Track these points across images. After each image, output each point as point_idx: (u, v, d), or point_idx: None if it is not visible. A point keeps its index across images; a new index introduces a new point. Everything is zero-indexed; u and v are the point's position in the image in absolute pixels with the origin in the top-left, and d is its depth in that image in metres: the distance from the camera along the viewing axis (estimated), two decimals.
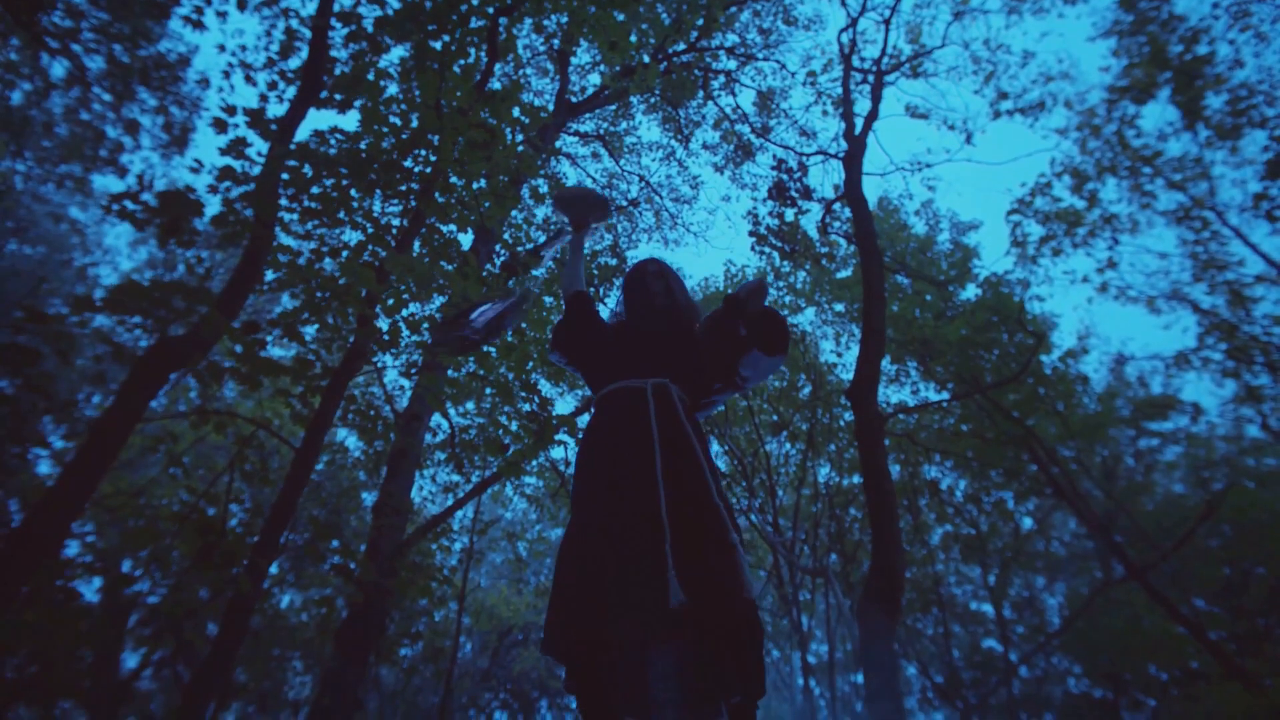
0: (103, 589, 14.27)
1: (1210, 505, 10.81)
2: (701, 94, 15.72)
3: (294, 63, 8.02)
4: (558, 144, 15.40)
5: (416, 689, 18.03)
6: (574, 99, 14.63)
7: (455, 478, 14.09)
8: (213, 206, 6.27)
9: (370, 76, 5.77)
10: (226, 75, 8.24)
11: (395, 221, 6.52)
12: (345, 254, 6.32)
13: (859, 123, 12.11)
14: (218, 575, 4.53)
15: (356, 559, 7.49)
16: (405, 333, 5.89)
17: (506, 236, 9.95)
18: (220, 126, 5.89)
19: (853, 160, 11.31)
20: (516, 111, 7.18)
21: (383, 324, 6.28)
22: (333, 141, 6.06)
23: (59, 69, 12.71)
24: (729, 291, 2.88)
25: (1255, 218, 12.69)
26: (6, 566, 3.96)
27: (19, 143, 14.10)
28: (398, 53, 8.45)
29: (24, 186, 16.51)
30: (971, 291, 16.41)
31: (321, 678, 9.97)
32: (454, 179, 5.89)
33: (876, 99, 12.40)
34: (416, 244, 6.43)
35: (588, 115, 15.93)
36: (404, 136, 5.84)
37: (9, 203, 16.24)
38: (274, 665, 16.68)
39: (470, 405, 12.21)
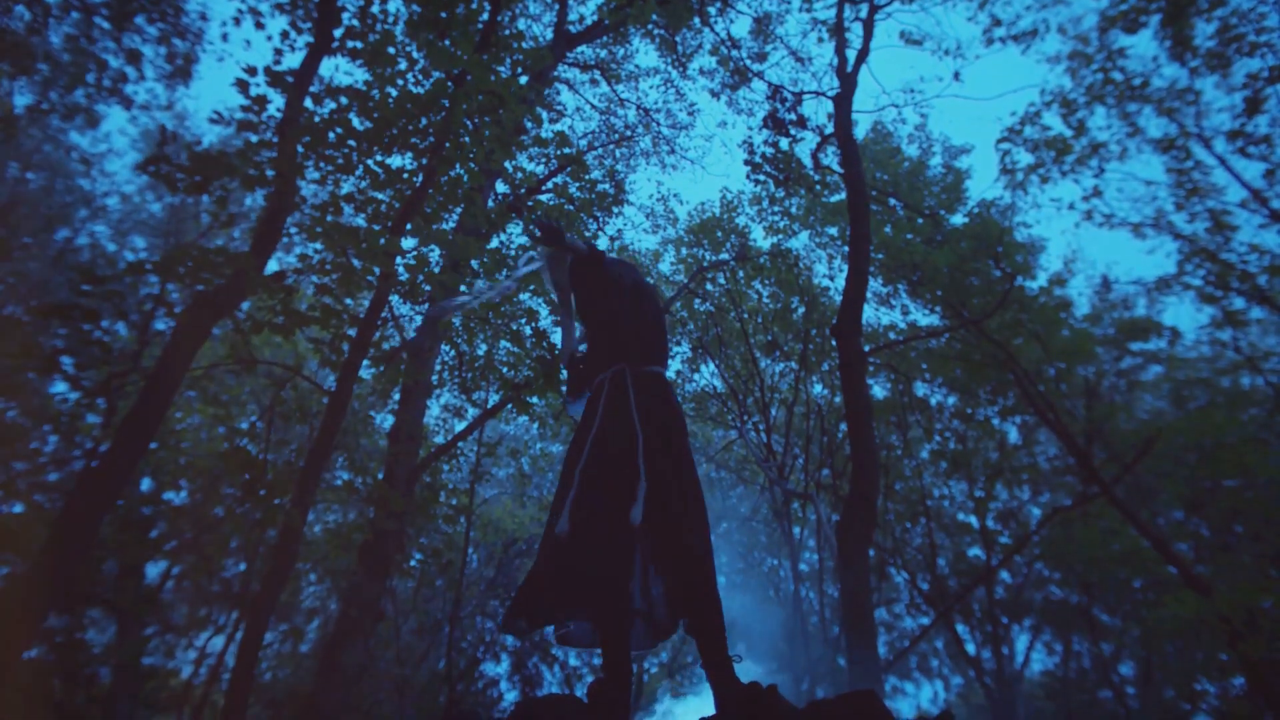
0: (125, 505, 14.98)
1: (1149, 441, 11.45)
2: (698, 20, 15.75)
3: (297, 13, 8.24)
4: (557, 70, 15.53)
5: (427, 598, 18.97)
6: (573, 28, 14.73)
7: (460, 399, 14.67)
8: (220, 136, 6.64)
9: (391, 51, 6.08)
10: (237, 22, 8.46)
11: (409, 165, 6.91)
12: (360, 199, 6.74)
13: (851, 56, 12.26)
14: (266, 509, 5.10)
15: (377, 484, 8.10)
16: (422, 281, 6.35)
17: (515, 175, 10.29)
18: (243, 87, 6.24)
19: (844, 99, 11.53)
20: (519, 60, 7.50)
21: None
22: (344, 101, 6.41)
23: None
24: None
25: (1233, 153, 12.95)
26: (95, 495, 4.54)
27: (20, 69, 14.16)
28: None
29: (24, 114, 16.58)
30: (962, 218, 16.74)
31: (345, 591, 10.73)
32: (464, 137, 6.27)
33: (869, 34, 12.51)
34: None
35: (585, 45, 16.04)
36: (419, 96, 6.19)
37: (11, 129, 16.35)
38: (292, 576, 17.58)
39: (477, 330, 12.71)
